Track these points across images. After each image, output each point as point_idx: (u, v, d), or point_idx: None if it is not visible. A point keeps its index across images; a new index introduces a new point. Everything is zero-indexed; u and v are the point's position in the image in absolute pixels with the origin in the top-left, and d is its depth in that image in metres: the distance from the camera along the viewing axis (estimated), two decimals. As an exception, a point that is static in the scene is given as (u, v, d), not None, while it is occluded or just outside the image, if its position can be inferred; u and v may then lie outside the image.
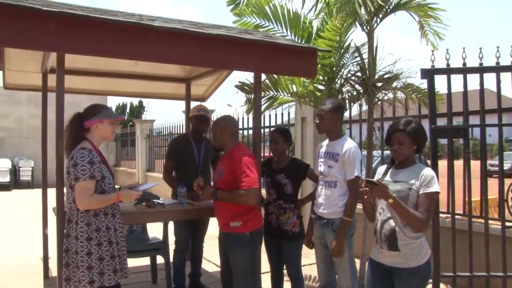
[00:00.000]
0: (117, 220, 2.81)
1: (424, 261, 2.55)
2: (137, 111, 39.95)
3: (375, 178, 2.64)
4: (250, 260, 3.17)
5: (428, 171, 2.56)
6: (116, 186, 3.01)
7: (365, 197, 2.58)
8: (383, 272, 2.63)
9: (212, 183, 3.47)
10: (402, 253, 2.52)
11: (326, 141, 3.37)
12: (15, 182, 15.32)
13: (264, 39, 3.37)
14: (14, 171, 15.50)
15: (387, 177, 2.65)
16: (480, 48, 3.67)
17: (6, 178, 14.90)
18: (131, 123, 16.26)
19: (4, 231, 7.56)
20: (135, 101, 39.93)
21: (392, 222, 2.55)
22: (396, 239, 2.52)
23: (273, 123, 7.07)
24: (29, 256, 5.48)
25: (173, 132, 10.82)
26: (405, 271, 2.53)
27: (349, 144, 3.19)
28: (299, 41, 4.41)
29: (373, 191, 2.49)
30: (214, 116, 7.43)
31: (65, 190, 2.82)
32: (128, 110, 40.62)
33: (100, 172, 2.70)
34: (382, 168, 2.77)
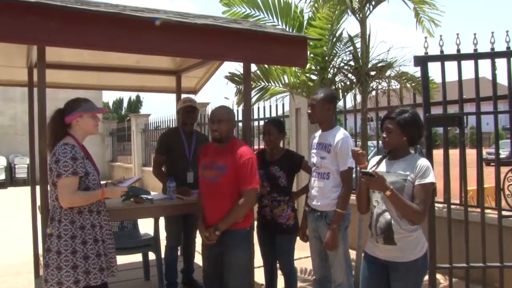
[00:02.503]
0: (103, 218, 2.73)
1: (421, 255, 2.49)
2: (135, 105, 39.92)
3: (368, 169, 2.56)
4: (251, 255, 3.09)
5: (423, 162, 2.48)
6: (102, 182, 2.93)
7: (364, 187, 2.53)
8: (379, 267, 2.56)
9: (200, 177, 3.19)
10: (398, 247, 2.45)
11: (319, 132, 3.30)
12: (11, 180, 15.25)
13: (252, 28, 3.27)
14: (10, 169, 15.43)
15: (382, 168, 2.57)
16: (475, 34, 3.58)
17: (1, 176, 14.85)
18: (128, 117, 16.18)
19: (-2, 229, 7.50)
20: (133, 95, 39.94)
21: (387, 215, 2.48)
22: (392, 233, 2.46)
23: (267, 115, 6.99)
24: (22, 255, 5.42)
25: (170, 126, 10.74)
26: (402, 265, 2.46)
27: (341, 135, 3.11)
28: (290, 31, 4.32)
29: (370, 183, 2.42)
30: (209, 109, 7.28)
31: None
32: (125, 105, 40.60)
33: (84, 168, 2.62)
34: (374, 159, 2.69)
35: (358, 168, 3.11)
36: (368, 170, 2.50)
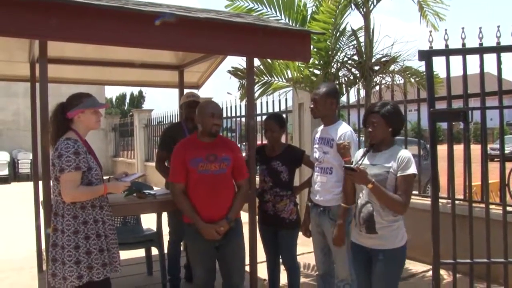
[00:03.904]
0: (105, 213, 2.72)
1: (401, 245, 2.60)
2: (137, 101, 39.85)
3: (354, 162, 2.69)
4: None
5: (404, 153, 2.57)
6: (105, 177, 2.92)
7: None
8: (365, 254, 2.68)
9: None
10: (380, 235, 2.58)
11: (321, 127, 3.28)
12: (14, 175, 15.31)
13: (255, 22, 3.25)
14: (13, 164, 15.48)
15: (367, 161, 2.66)
16: (480, 28, 3.53)
17: (5, 171, 14.90)
18: (130, 113, 16.18)
19: (1, 224, 7.52)
20: (135, 91, 39.84)
21: (370, 207, 2.59)
22: (374, 223, 2.58)
23: (270, 110, 6.95)
24: (25, 250, 5.44)
25: (173, 121, 10.73)
26: (383, 252, 2.58)
27: (343, 129, 3.09)
28: (294, 25, 4.29)
29: (352, 177, 2.54)
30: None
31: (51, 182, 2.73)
32: (128, 100, 40.53)
33: (86, 163, 2.61)
34: (359, 152, 2.79)
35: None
36: (352, 164, 2.61)
